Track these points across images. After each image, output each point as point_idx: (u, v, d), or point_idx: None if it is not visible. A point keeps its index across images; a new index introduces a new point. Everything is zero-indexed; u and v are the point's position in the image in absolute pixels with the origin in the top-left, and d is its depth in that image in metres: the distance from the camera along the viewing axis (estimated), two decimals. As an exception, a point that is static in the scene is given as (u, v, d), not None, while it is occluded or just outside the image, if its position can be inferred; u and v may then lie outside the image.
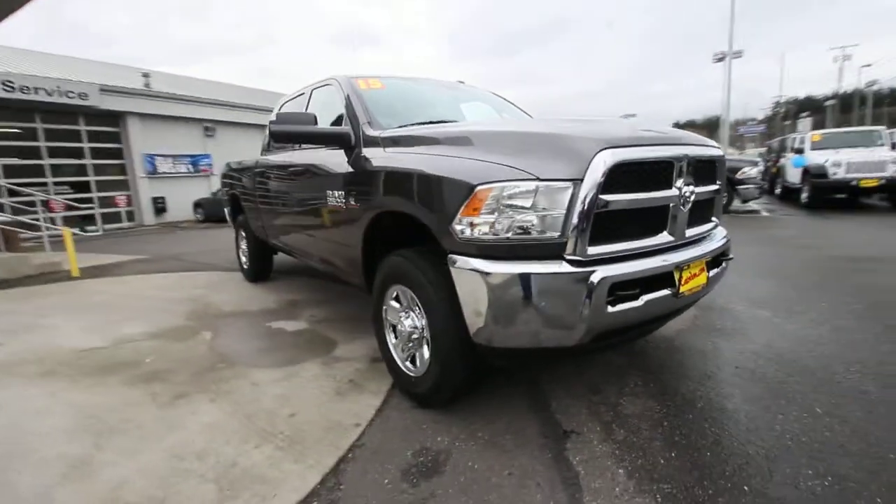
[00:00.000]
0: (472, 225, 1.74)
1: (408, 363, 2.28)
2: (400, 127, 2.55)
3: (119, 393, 2.50)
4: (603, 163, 1.66)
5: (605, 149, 1.69)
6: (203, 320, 3.78)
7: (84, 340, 3.38)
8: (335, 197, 2.66)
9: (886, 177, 8.42)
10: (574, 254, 1.69)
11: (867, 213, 8.71)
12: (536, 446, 1.88)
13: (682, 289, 1.94)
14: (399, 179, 2.14)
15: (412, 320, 2.17)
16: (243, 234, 5.07)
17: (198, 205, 15.98)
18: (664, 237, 1.96)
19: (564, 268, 1.66)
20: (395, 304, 2.31)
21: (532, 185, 1.65)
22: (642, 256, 1.86)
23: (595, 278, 1.65)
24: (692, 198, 2.01)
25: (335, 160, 2.69)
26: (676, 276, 1.92)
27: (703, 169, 2.13)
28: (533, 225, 1.67)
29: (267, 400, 2.37)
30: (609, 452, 1.82)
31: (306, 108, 3.40)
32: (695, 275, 2.03)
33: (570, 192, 1.65)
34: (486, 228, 1.72)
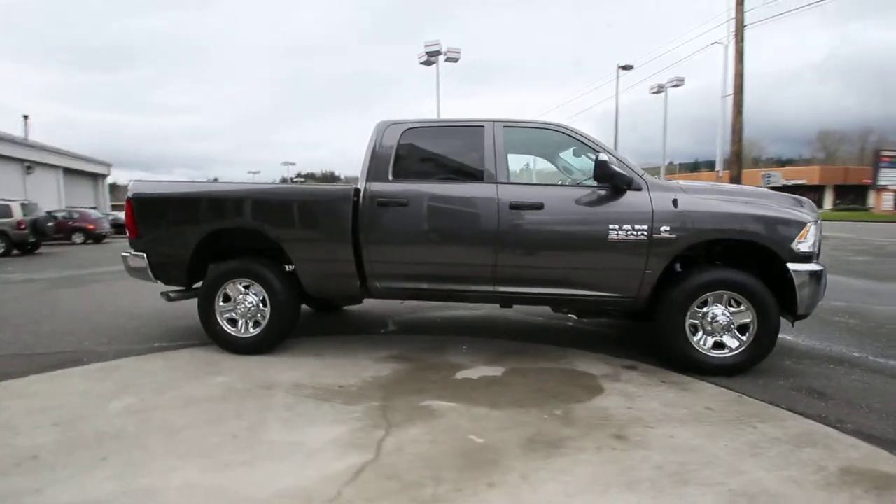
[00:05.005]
0: (800, 245, 3.10)
1: (712, 351, 3.20)
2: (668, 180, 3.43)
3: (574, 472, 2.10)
4: (818, 213, 3.41)
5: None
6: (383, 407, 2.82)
7: (320, 466, 2.06)
8: (625, 230, 3.19)
9: None
10: (817, 260, 3.32)
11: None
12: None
13: None
14: (733, 216, 3.16)
15: (726, 315, 3.16)
16: (243, 288, 3.56)
17: None
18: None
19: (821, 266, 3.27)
20: (698, 308, 3.19)
21: (817, 223, 3.20)
22: None
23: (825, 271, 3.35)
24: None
25: (628, 199, 3.27)
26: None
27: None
28: (816, 244, 3.20)
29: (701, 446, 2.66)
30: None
31: (496, 144, 3.48)
32: None
33: (817, 226, 3.28)
34: (806, 247, 3.12)
